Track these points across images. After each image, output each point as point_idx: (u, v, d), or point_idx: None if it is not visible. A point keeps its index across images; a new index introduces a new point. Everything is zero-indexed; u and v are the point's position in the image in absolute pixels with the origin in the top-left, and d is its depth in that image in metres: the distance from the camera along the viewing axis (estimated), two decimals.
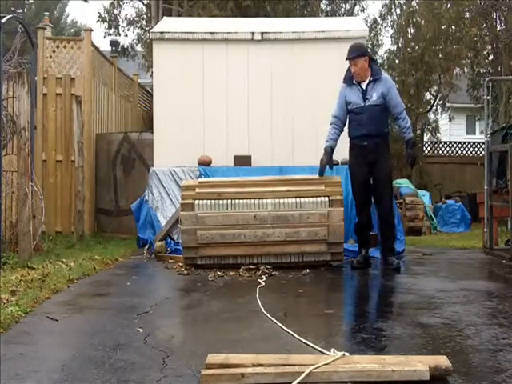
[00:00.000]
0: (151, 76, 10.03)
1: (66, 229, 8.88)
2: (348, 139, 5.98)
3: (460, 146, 17.10)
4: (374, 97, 5.72)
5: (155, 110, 7.51)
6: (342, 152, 6.97)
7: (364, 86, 5.77)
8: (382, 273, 5.76)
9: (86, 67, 9.01)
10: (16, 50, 6.52)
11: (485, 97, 7.60)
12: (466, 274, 5.78)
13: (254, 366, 2.62)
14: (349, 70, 5.87)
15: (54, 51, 9.12)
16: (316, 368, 2.58)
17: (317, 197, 5.78)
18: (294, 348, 3.11)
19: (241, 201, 5.80)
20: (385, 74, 5.99)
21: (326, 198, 5.77)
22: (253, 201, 5.80)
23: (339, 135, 5.94)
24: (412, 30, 15.98)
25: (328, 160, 5.91)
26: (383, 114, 5.81)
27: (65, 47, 9.15)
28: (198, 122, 7.37)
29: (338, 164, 6.87)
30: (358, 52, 5.78)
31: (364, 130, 5.73)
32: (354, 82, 5.81)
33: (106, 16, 15.92)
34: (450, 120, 18.63)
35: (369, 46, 15.25)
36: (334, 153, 5.99)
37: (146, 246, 6.98)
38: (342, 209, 5.78)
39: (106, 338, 3.33)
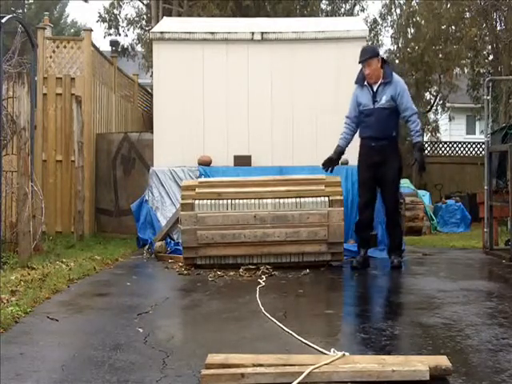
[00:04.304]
0: (151, 76, 10.02)
1: (66, 229, 8.88)
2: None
3: (460, 145, 17.10)
4: (384, 100, 5.73)
5: (155, 110, 7.50)
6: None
7: (375, 88, 5.78)
8: (382, 273, 5.76)
9: (86, 67, 9.01)
10: (16, 50, 6.51)
11: (485, 97, 7.60)
12: (466, 274, 5.78)
13: (254, 366, 2.62)
14: (361, 70, 5.88)
15: (54, 51, 9.12)
16: (316, 368, 2.58)
17: (317, 197, 5.78)
18: (294, 348, 3.11)
19: (241, 201, 5.80)
20: (397, 77, 5.93)
21: (326, 198, 5.77)
22: (253, 201, 5.80)
23: (351, 135, 5.98)
24: (412, 30, 15.99)
25: (332, 158, 5.91)
26: (392, 117, 5.80)
27: (65, 47, 9.15)
28: (198, 121, 7.37)
29: (337, 164, 6.87)
30: (371, 53, 5.80)
31: (372, 131, 5.78)
32: (366, 83, 5.83)
33: (106, 16, 15.91)
34: (450, 120, 18.64)
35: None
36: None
37: (146, 246, 6.98)
38: (342, 209, 5.78)
39: (106, 338, 3.33)
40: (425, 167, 5.82)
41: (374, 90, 5.78)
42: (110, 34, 16.13)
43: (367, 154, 5.86)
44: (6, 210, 6.29)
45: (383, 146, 5.76)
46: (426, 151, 16.99)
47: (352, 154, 6.39)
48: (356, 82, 5.92)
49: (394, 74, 5.92)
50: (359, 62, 5.81)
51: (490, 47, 13.89)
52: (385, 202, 5.92)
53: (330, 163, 5.93)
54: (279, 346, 3.16)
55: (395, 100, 5.74)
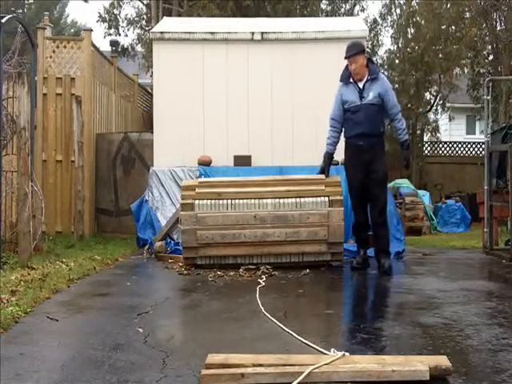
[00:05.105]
0: (151, 76, 10.03)
1: (66, 229, 8.88)
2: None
3: (460, 145, 17.11)
4: (371, 96, 5.68)
5: (155, 110, 7.51)
6: (342, 152, 6.97)
7: (361, 84, 5.72)
8: (381, 273, 5.75)
9: (86, 67, 9.01)
10: (16, 50, 6.51)
11: (485, 97, 7.60)
12: (466, 274, 5.79)
13: (254, 366, 2.62)
14: (346, 68, 5.84)
15: (54, 51, 9.12)
16: (316, 368, 2.58)
17: (317, 197, 5.78)
18: (294, 348, 3.10)
19: (241, 201, 5.80)
20: (382, 75, 5.98)
21: (326, 198, 5.77)
22: (253, 201, 5.80)
23: (338, 137, 5.92)
24: (412, 30, 15.99)
25: (325, 166, 5.95)
26: (379, 114, 5.77)
27: (65, 47, 9.15)
28: (198, 122, 7.37)
29: (337, 164, 6.87)
30: (357, 49, 5.73)
31: (360, 128, 5.68)
32: (351, 80, 5.77)
33: (106, 16, 15.91)
34: (450, 120, 18.64)
35: (369, 46, 15.25)
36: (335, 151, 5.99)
37: (146, 246, 6.98)
38: (342, 209, 5.78)
39: (105, 338, 3.33)
40: (409, 163, 6.13)
41: (361, 86, 5.73)
42: (110, 34, 16.13)
43: (355, 154, 5.77)
44: (6, 210, 6.29)
45: (371, 143, 5.69)
46: (426, 151, 17.05)
47: None
48: (341, 80, 5.85)
49: (378, 70, 5.93)
50: (345, 58, 5.74)
51: (490, 47, 13.90)
52: (374, 202, 5.78)
53: (321, 172, 5.98)
54: (279, 346, 3.16)
55: (382, 97, 5.69)
